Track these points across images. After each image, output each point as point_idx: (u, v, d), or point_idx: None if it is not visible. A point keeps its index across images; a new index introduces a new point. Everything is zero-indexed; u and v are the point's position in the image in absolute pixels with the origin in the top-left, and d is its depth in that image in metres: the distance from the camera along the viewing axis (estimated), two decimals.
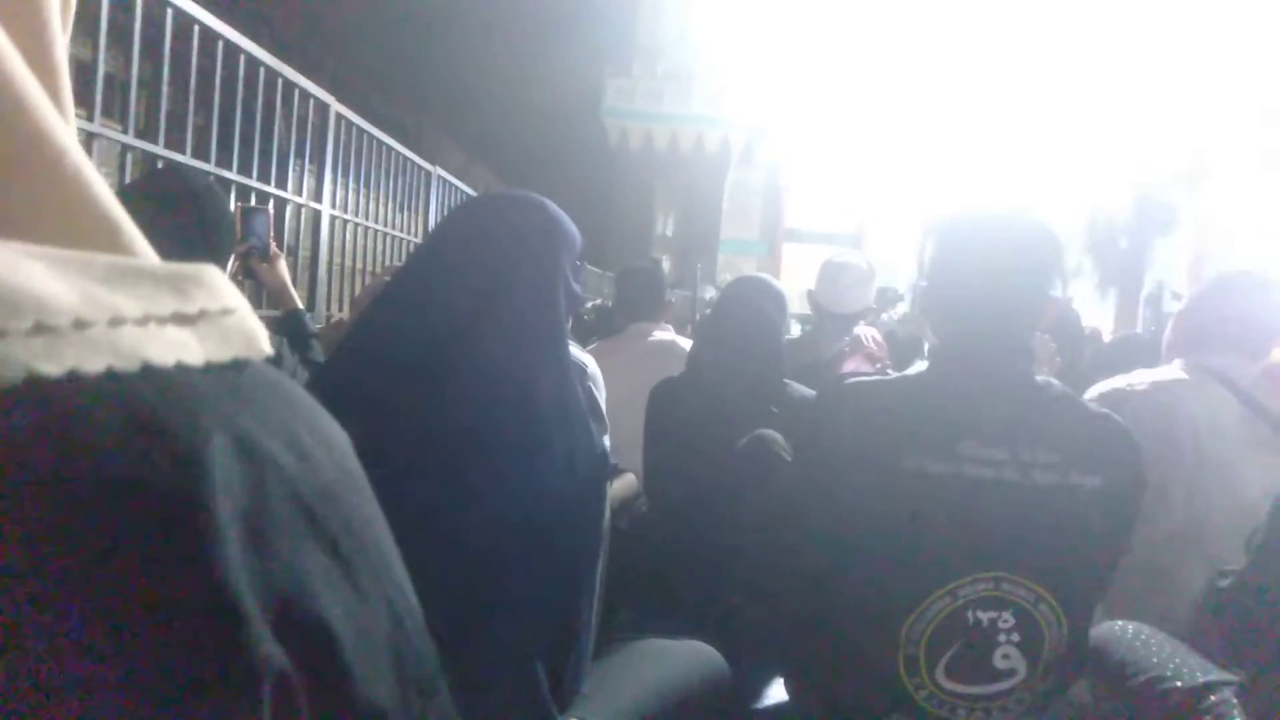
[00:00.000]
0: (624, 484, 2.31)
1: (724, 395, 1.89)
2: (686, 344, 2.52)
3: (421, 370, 0.98)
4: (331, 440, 0.28)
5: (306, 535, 0.24)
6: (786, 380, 1.96)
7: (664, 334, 2.73)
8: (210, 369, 0.24)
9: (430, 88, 9.16)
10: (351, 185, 3.60)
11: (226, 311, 0.26)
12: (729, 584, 1.67)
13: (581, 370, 2.16)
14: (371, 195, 3.86)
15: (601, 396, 2.24)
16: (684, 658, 1.29)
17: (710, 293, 11.30)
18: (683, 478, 1.93)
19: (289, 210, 2.87)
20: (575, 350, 2.25)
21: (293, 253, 2.95)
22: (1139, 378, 1.82)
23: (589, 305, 6.33)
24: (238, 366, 0.25)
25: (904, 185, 8.96)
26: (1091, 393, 1.84)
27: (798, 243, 14.69)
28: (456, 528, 0.93)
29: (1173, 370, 1.84)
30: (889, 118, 9.03)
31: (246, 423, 0.24)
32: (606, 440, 2.26)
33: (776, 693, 1.60)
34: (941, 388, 1.22)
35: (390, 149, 3.85)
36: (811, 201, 13.10)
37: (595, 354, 2.74)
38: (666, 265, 12.28)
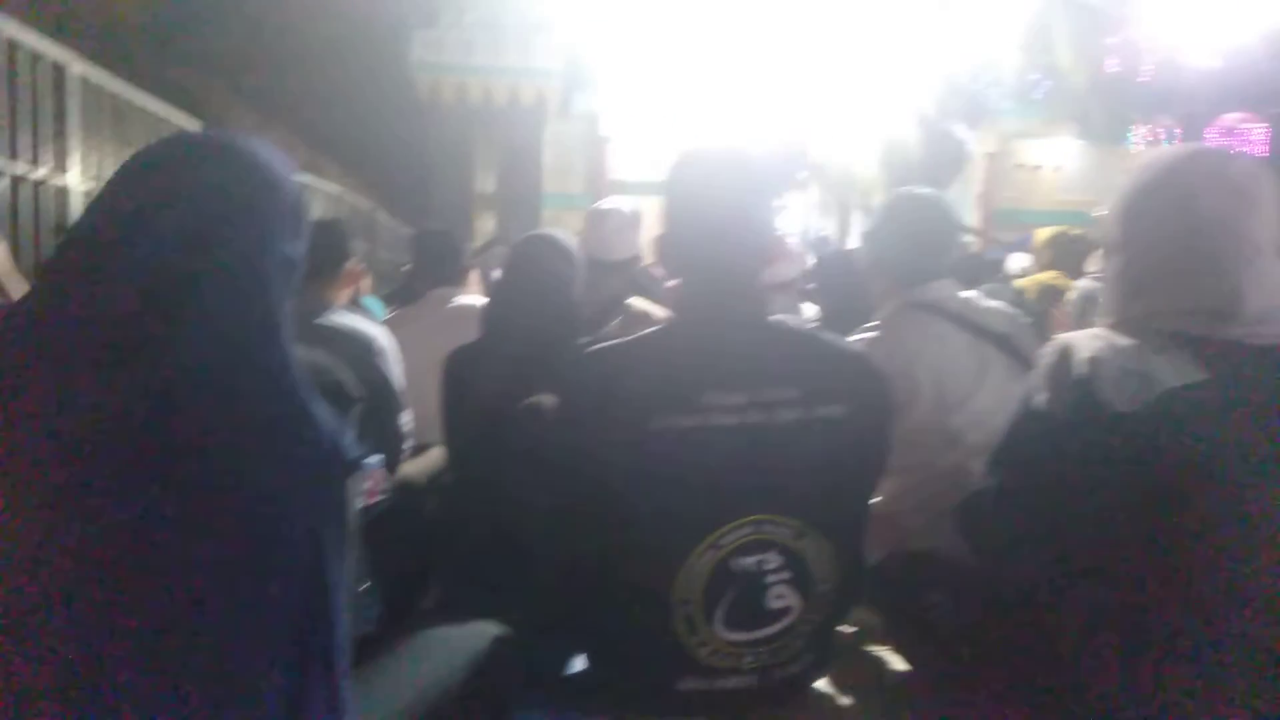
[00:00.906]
0: (428, 461, 2.23)
1: (518, 358, 1.84)
2: None
3: (93, 371, 0.83)
4: None
5: None
6: (581, 340, 1.93)
7: (465, 299, 2.64)
8: None
9: (214, 43, 8.43)
10: (112, 157, 3.25)
11: None
12: (530, 556, 1.63)
13: (367, 345, 2.06)
14: None
15: (395, 370, 2.14)
16: (462, 646, 1.24)
17: None
18: (483, 447, 1.87)
19: (24, 188, 2.55)
20: (363, 323, 2.13)
21: (39, 235, 2.63)
22: (870, 334, 1.85)
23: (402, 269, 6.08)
24: None
25: (725, 129, 9.11)
26: None
27: (623, 195, 14.70)
28: (151, 557, 0.81)
29: (894, 316, 1.87)
30: (705, 62, 9.11)
31: None
32: (406, 417, 2.18)
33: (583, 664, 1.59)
34: (681, 340, 1.22)
35: (155, 115, 3.50)
36: (634, 151, 13.08)
37: (393, 324, 2.61)
38: (490, 223, 11.98)
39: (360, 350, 2.03)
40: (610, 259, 2.66)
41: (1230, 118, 9.43)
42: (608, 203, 2.85)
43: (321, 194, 6.44)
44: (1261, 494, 1.04)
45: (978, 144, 9.87)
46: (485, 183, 12.05)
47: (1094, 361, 1.09)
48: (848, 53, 7.48)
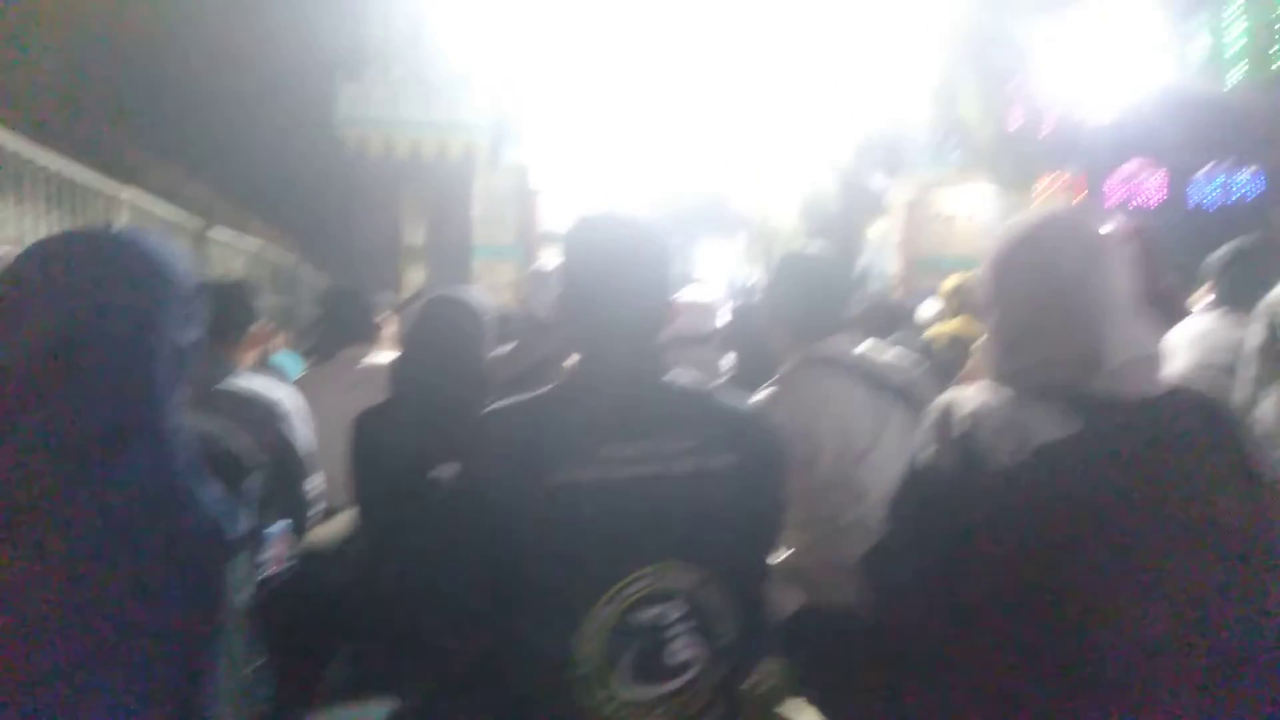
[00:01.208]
0: (337, 526, 2.17)
1: (425, 421, 1.81)
2: None
3: None
4: None
5: None
6: (493, 400, 1.91)
7: (377, 357, 2.60)
8: None
9: (130, 97, 8.26)
10: (13, 215, 3.15)
11: None
12: (438, 625, 1.60)
13: (271, 409, 2.01)
14: (45, 226, 3.39)
15: (302, 434, 2.09)
16: None
17: None
18: (391, 512, 1.83)
19: None
20: (268, 385, 2.09)
21: None
22: (770, 392, 1.88)
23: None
24: None
25: (655, 179, 9.30)
26: None
27: (555, 245, 14.77)
28: (26, 640, 0.79)
29: (794, 372, 1.90)
30: (632, 114, 9.30)
31: None
32: (316, 481, 2.13)
33: None
34: (578, 395, 1.25)
35: (59, 173, 3.40)
36: (566, 202, 13.16)
37: (303, 384, 2.56)
38: (419, 275, 11.93)
39: (264, 414, 1.99)
40: (550, 318, 2.66)
41: (1128, 167, 9.99)
42: (548, 262, 2.88)
43: (241, 250, 6.32)
44: (1137, 541, 1.08)
45: (896, 194, 10.22)
46: (414, 235, 12.00)
47: (974, 417, 1.13)
48: (769, 106, 7.75)
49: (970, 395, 1.17)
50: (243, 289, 2.23)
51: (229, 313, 2.12)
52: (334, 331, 2.69)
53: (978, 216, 11.48)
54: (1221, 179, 11.66)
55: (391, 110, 11.37)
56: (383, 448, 1.85)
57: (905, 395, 1.83)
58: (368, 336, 2.64)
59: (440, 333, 1.87)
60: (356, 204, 11.62)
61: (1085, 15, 8.10)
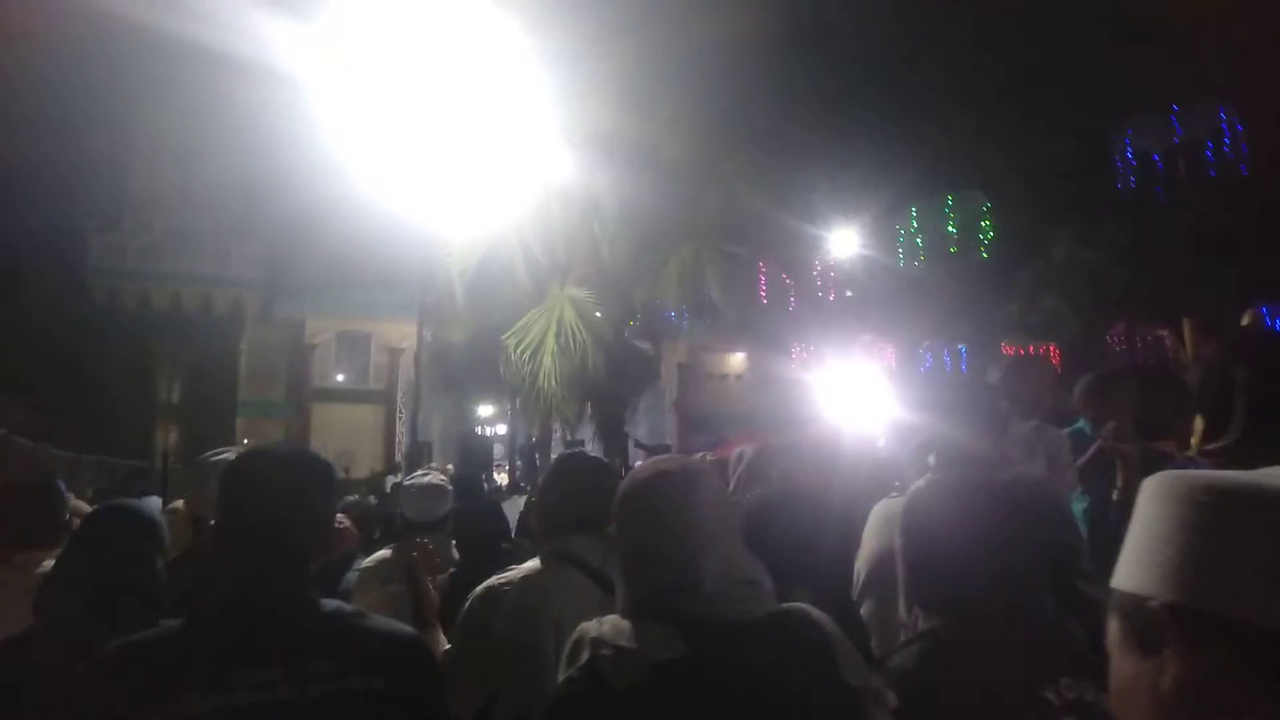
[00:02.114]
0: None
1: (81, 649, 1.65)
2: None
3: None
4: None
5: None
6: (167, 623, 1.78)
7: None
8: None
9: None
10: None
11: None
12: None
13: None
14: None
15: None
16: None
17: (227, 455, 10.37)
18: None
19: None
20: None
21: None
22: (511, 574, 1.95)
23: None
24: None
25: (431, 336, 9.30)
26: (479, 589, 1.95)
27: (327, 402, 14.27)
28: None
29: (542, 559, 1.97)
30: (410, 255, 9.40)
31: None
32: None
33: None
34: (211, 620, 1.26)
35: None
36: (340, 358, 12.88)
37: None
38: (174, 436, 11.08)
39: None
40: None
41: (864, 339, 11.30)
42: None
43: None
44: None
45: (668, 356, 10.84)
46: (170, 393, 11.23)
47: (595, 642, 1.21)
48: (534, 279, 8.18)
49: (597, 623, 1.25)
50: None
51: None
52: (8, 529, 2.39)
53: (745, 378, 12.37)
54: (940, 352, 13.49)
55: (153, 263, 10.90)
56: (28, 680, 1.66)
57: None
58: (50, 538, 2.35)
59: (103, 548, 1.74)
60: (106, 361, 10.78)
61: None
